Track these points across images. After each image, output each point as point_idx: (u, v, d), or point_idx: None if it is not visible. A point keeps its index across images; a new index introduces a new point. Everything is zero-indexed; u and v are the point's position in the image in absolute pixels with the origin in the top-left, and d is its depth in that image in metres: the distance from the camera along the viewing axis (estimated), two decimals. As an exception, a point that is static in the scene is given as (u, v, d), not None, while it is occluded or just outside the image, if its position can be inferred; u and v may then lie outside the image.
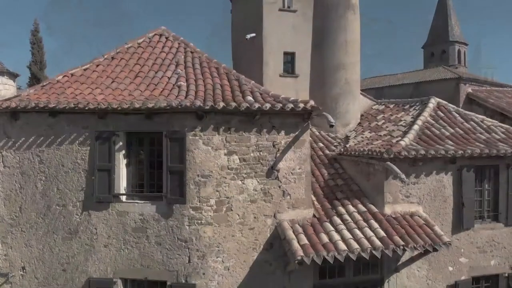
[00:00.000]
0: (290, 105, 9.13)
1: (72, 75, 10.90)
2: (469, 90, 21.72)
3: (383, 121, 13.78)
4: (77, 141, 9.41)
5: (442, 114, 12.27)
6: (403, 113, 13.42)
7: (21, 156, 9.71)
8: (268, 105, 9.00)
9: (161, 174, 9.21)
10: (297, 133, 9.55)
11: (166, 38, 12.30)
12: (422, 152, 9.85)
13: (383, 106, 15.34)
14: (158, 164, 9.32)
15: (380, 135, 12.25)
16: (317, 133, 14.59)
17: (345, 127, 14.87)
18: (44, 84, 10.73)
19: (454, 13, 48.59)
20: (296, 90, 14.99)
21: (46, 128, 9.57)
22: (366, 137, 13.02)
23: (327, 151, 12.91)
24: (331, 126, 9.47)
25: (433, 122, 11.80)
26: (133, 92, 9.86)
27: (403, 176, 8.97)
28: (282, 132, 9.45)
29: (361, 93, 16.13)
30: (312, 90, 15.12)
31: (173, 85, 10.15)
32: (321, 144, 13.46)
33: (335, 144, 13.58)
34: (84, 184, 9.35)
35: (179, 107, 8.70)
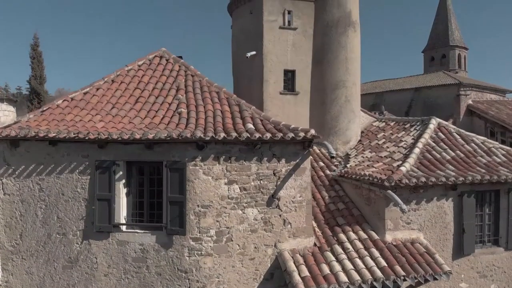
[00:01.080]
0: (291, 134, 9.10)
1: (72, 99, 10.90)
2: (470, 101, 21.64)
3: (384, 140, 13.75)
4: (77, 170, 9.39)
5: (443, 136, 12.24)
6: (403, 132, 13.39)
7: (21, 184, 9.70)
8: (268, 135, 8.98)
9: (161, 203, 9.19)
10: (297, 161, 9.53)
11: (167, 60, 12.28)
12: (423, 179, 9.82)
13: (384, 123, 15.31)
14: (158, 193, 9.30)
15: (381, 156, 12.22)
16: (318, 151, 14.58)
17: (346, 144, 14.86)
18: (44, 109, 10.71)
19: (454, 17, 48.58)
20: (296, 107, 15.03)
21: (46, 156, 9.55)
22: (366, 157, 13.00)
23: (327, 171, 12.90)
24: (332, 157, 9.44)
25: (434, 144, 11.78)
26: (134, 120, 9.85)
27: (404, 207, 8.95)
28: (283, 160, 9.43)
29: (361, 110, 16.12)
30: (313, 107, 15.11)
31: (174, 111, 10.14)
32: (321, 163, 13.45)
33: (336, 163, 13.56)
34: (84, 213, 9.34)
35: (180, 138, 8.66)
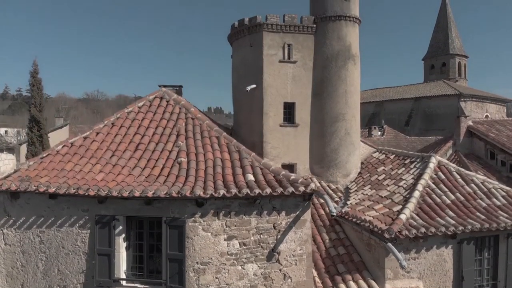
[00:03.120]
0: (291, 189, 9.11)
1: (72, 144, 10.93)
2: (470, 122, 21.60)
3: (384, 175, 13.77)
4: (77, 224, 9.42)
5: (443, 176, 12.24)
6: (403, 169, 13.40)
7: (22, 235, 9.75)
8: (268, 190, 8.98)
9: (161, 257, 9.19)
10: (298, 212, 9.54)
11: (167, 101, 12.28)
12: (423, 230, 9.84)
13: (384, 156, 15.32)
14: (158, 246, 9.31)
15: (381, 196, 12.24)
16: (318, 184, 14.59)
17: (346, 177, 14.89)
18: (44, 155, 10.75)
19: (455, 26, 48.55)
20: (296, 139, 15.04)
21: (46, 209, 9.59)
22: (367, 194, 13.02)
23: (328, 209, 12.88)
24: (332, 215, 9.44)
25: (434, 186, 11.78)
26: (133, 171, 9.87)
27: (404, 263, 8.97)
28: (283, 213, 9.44)
29: (361, 140, 16.13)
30: (313, 139, 15.13)
31: (174, 160, 10.15)
32: (322, 200, 13.43)
33: (336, 199, 13.58)
34: (85, 267, 9.37)
35: (179, 196, 8.67)
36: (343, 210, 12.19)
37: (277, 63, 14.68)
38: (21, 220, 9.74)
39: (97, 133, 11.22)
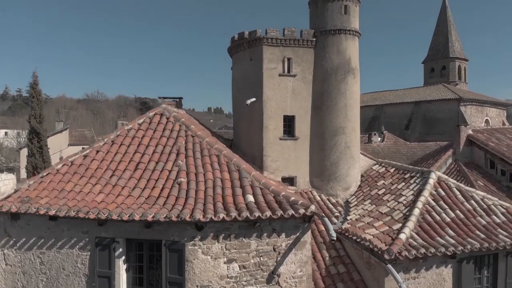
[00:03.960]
0: (291, 211, 9.12)
1: (72, 163, 10.94)
2: (470, 131, 21.62)
3: (384, 189, 13.79)
4: (77, 246, 9.44)
5: (442, 193, 12.25)
6: (403, 184, 13.41)
7: (23, 256, 9.78)
8: (268, 213, 8.99)
9: (161, 279, 9.21)
10: (298, 234, 9.55)
11: (167, 118, 12.28)
12: (422, 251, 9.85)
13: (383, 169, 15.34)
14: (158, 269, 9.32)
15: (381, 213, 12.25)
16: (318, 198, 14.63)
17: (346, 191, 14.91)
18: (44, 174, 10.75)
19: (455, 29, 48.52)
20: (296, 152, 15.05)
21: (47, 230, 9.61)
22: (367, 209, 13.04)
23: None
24: (332, 240, 9.46)
25: (433, 204, 11.79)
26: (133, 191, 9.88)
27: (403, 286, 8.99)
28: (283, 235, 9.45)
29: (361, 153, 16.13)
30: (312, 152, 15.14)
31: (174, 181, 10.16)
32: (321, 214, 13.43)
33: (336, 214, 13.58)
34: (85, 289, 9.38)
35: (179, 220, 8.68)
36: (343, 227, 12.21)
37: (277, 77, 14.68)
38: (21, 241, 9.76)
39: (97, 151, 11.22)
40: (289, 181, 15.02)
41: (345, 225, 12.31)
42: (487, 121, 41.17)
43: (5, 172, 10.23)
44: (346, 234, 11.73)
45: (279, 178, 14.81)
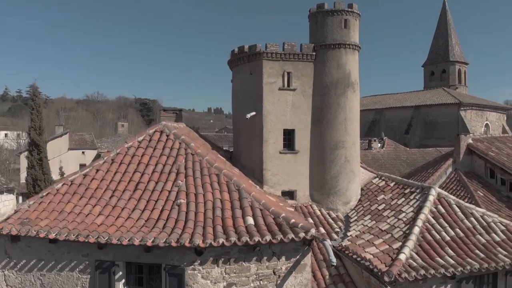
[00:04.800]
0: (291, 235, 9.13)
1: (71, 182, 10.94)
2: (470, 140, 21.61)
3: (384, 205, 13.80)
4: (77, 269, 9.47)
5: (442, 210, 12.26)
6: (403, 199, 13.42)
7: (23, 277, 9.81)
8: (268, 238, 9.00)
9: (161, 300, 9.24)
10: (298, 257, 9.57)
11: (167, 136, 12.28)
12: (422, 272, 9.86)
13: (383, 183, 15.34)
14: (158, 290, 9.35)
15: (381, 230, 12.26)
16: (318, 212, 14.61)
17: (346, 205, 14.90)
18: (44, 194, 10.77)
19: (455, 32, 48.49)
20: (296, 166, 15.04)
21: (47, 252, 9.63)
22: (367, 226, 13.05)
23: (328, 241, 12.88)
24: (332, 265, 9.46)
25: (433, 221, 11.80)
26: (132, 213, 9.89)
27: (403, 310, 8.99)
28: (283, 258, 9.46)
29: (361, 166, 16.14)
30: (313, 165, 15.12)
31: (173, 202, 10.17)
32: (322, 230, 13.42)
33: (336, 229, 13.57)
34: (85, 312, 9.39)
35: (178, 245, 8.69)
36: (344, 244, 12.22)
37: (277, 91, 14.66)
38: (22, 263, 9.78)
39: (97, 170, 11.23)
40: (289, 194, 15.02)
41: (345, 242, 12.32)
42: (487, 125, 41.21)
43: (5, 193, 10.20)
44: (347, 252, 11.74)
45: (279, 192, 14.81)
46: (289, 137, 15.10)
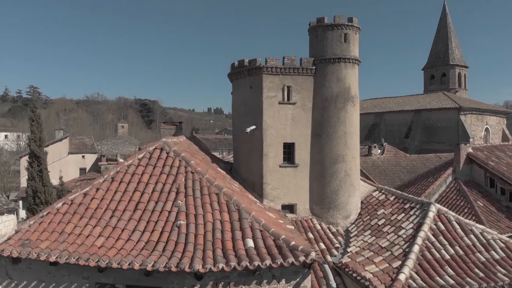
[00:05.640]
0: (291, 260, 9.13)
1: (72, 202, 10.96)
2: (470, 150, 21.62)
3: (384, 220, 13.82)
4: (77, 292, 9.46)
5: (442, 227, 12.28)
6: (403, 215, 13.44)
7: (24, 300, 9.79)
8: (268, 262, 9.00)
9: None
10: (298, 279, 9.57)
11: (167, 153, 12.28)
12: (422, 294, 9.88)
13: (383, 196, 15.35)
14: (158, 314, 9.36)
15: (381, 247, 12.27)
16: (318, 227, 14.62)
17: (346, 219, 14.91)
18: (44, 214, 10.77)
19: (455, 36, 48.46)
20: (296, 180, 15.05)
21: (47, 274, 9.65)
22: (367, 241, 13.07)
23: (328, 257, 12.87)
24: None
25: (433, 239, 11.81)
26: (132, 235, 9.89)
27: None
28: (283, 281, 9.47)
29: (361, 179, 16.15)
30: (312, 179, 15.13)
31: (173, 223, 10.17)
32: (322, 245, 13.42)
33: (336, 245, 13.57)
34: (86, 335, 9.41)
35: (178, 269, 8.70)
36: (343, 261, 12.23)
37: (277, 105, 14.67)
38: (22, 284, 9.81)
39: (97, 189, 11.24)
40: (289, 208, 15.04)
41: (345, 259, 12.33)
42: (487, 130, 41.23)
43: (5, 214, 10.23)
44: (346, 270, 11.75)
45: (279, 205, 14.82)
46: (289, 150, 15.11)
